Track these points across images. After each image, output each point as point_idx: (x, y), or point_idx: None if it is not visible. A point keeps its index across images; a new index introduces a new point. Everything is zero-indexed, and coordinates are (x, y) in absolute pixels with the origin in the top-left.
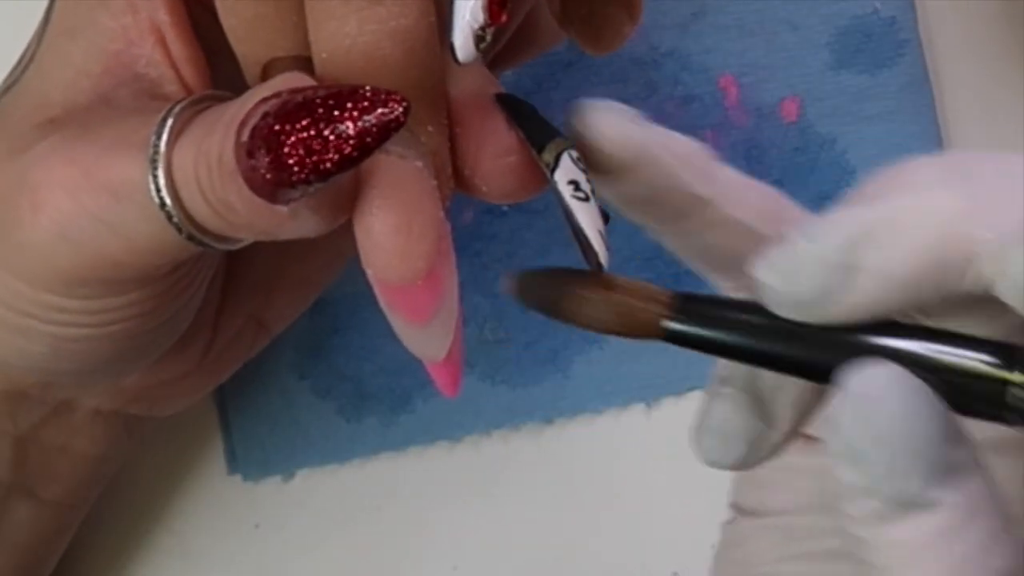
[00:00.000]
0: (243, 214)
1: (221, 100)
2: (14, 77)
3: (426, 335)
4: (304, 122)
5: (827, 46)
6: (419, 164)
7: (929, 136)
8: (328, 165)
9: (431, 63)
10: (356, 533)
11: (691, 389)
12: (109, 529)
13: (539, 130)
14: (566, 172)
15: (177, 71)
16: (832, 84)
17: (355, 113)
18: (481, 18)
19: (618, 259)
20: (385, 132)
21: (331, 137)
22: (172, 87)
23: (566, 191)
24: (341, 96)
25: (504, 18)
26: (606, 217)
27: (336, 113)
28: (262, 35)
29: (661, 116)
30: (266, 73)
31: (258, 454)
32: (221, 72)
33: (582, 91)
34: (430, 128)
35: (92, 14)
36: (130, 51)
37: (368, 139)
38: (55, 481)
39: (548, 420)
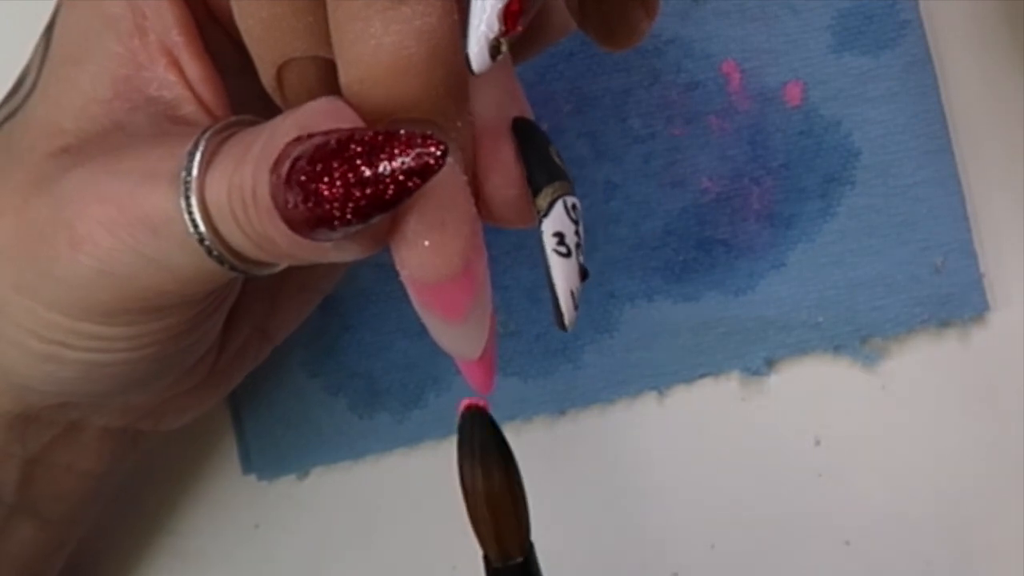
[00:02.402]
0: (284, 248)
1: (244, 124)
2: (15, 105)
3: (462, 333)
4: (342, 168)
5: (829, 29)
6: (450, 160)
7: (933, 116)
8: (368, 210)
9: (456, 61)
10: (358, 531)
11: (702, 376)
12: (117, 531)
13: (543, 167)
14: (554, 222)
15: (193, 91)
16: (835, 67)
17: (393, 157)
18: (496, 28)
19: (624, 247)
20: (424, 175)
21: (370, 182)
22: (189, 108)
23: (549, 243)
24: (377, 140)
25: (520, 27)
26: (584, 275)
27: (373, 158)
28: (278, 36)
29: (664, 104)
30: (282, 75)
31: (272, 454)
32: (231, 89)
33: (584, 81)
34: (459, 124)
35: (98, 39)
36: (140, 75)
37: (408, 183)
38: (60, 500)
39: (560, 411)
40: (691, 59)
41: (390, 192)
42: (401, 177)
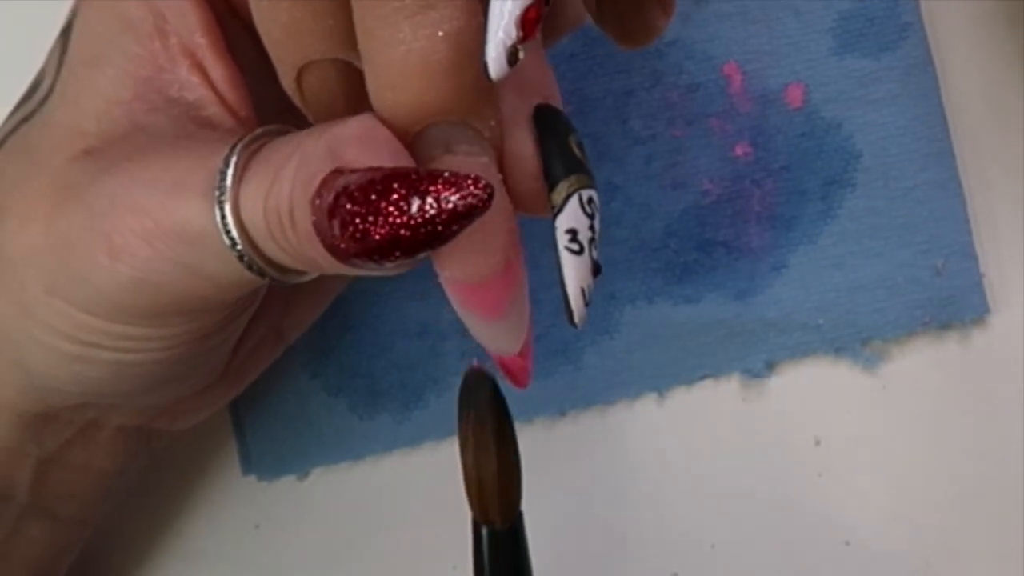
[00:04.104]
0: (326, 267)
1: (273, 135)
2: (31, 108)
3: (501, 330)
4: (388, 209)
5: (830, 31)
6: (485, 160)
7: (934, 118)
8: (417, 249)
9: None
10: (358, 531)
11: (703, 378)
12: (118, 531)
13: (562, 160)
14: (568, 218)
15: (217, 93)
16: (836, 69)
17: (439, 196)
18: (515, 35)
19: (625, 249)
20: (471, 216)
21: (417, 222)
22: (213, 109)
23: (561, 239)
24: (424, 180)
25: (538, 34)
26: (597, 270)
27: (418, 199)
28: (298, 39)
29: (666, 105)
30: (302, 78)
31: (272, 454)
32: (253, 87)
33: (585, 83)
34: (492, 123)
35: (117, 41)
36: (161, 77)
37: (454, 224)
38: (73, 499)
39: (561, 412)
40: (692, 61)
41: (436, 234)
42: (448, 218)
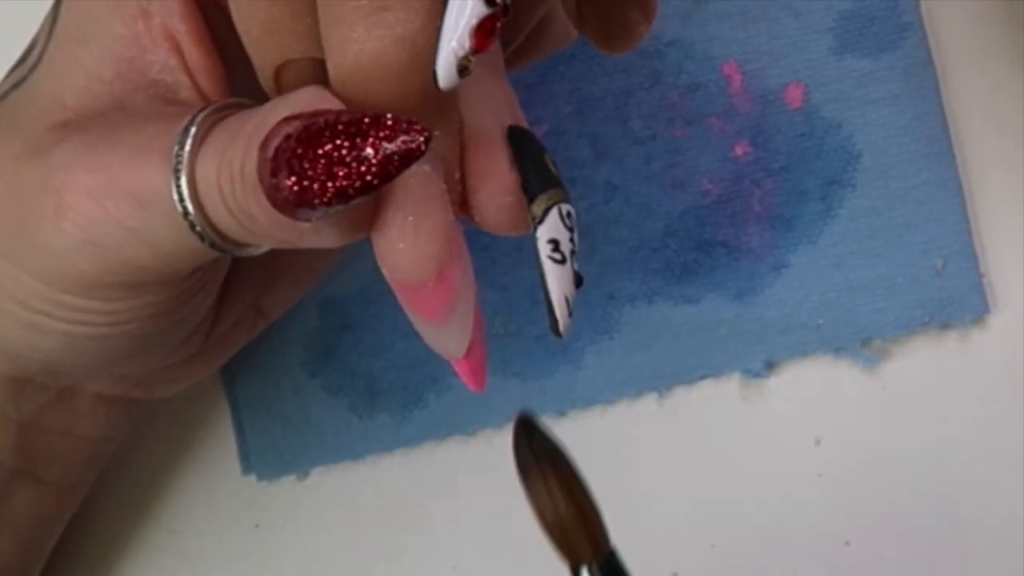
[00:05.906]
0: (264, 226)
1: (242, 107)
2: (21, 75)
3: (444, 334)
4: (327, 147)
5: (830, 31)
6: (427, 168)
7: (934, 118)
8: (350, 191)
9: None
10: (358, 531)
11: (703, 378)
12: (117, 530)
13: (539, 175)
14: (549, 229)
15: (192, 78)
16: (836, 69)
17: (378, 140)
18: (467, 45)
19: (624, 249)
20: (407, 159)
21: (353, 163)
22: (187, 94)
23: (543, 249)
24: (364, 123)
25: (491, 47)
26: (579, 281)
27: (359, 140)
28: (276, 38)
29: (666, 105)
30: (280, 76)
31: (272, 454)
32: (237, 76)
33: (585, 83)
34: (437, 132)
35: (103, 20)
36: (144, 57)
37: (390, 167)
38: (57, 464)
39: (561, 412)
40: (692, 61)
41: (372, 174)
42: (383, 160)
